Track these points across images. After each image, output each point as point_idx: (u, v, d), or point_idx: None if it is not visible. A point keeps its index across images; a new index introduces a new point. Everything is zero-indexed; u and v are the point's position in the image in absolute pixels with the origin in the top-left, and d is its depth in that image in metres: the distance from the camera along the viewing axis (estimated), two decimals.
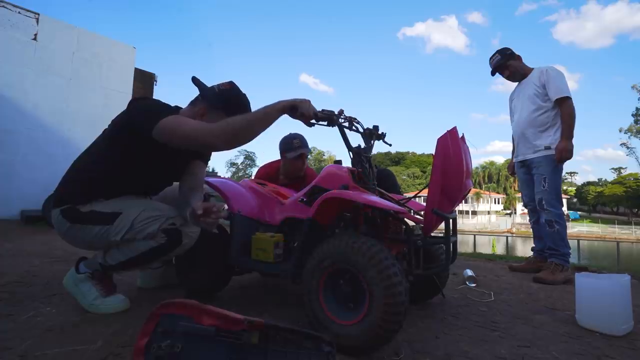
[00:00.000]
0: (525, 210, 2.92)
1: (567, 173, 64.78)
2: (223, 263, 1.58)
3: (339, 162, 1.61)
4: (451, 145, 1.27)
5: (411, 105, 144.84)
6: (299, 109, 1.28)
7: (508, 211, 49.78)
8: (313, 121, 1.35)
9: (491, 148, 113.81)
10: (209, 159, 1.71)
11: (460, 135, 1.33)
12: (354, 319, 1.13)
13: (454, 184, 1.29)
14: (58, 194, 1.45)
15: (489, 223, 42.94)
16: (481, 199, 48.88)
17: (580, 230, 34.87)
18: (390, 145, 1.75)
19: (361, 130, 1.54)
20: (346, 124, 1.47)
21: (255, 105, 1.41)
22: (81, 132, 5.69)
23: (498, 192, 52.11)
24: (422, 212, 1.42)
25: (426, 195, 1.30)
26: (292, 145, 2.21)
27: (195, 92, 1.50)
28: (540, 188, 2.52)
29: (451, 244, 1.36)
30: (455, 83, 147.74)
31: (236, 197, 1.63)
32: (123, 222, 1.35)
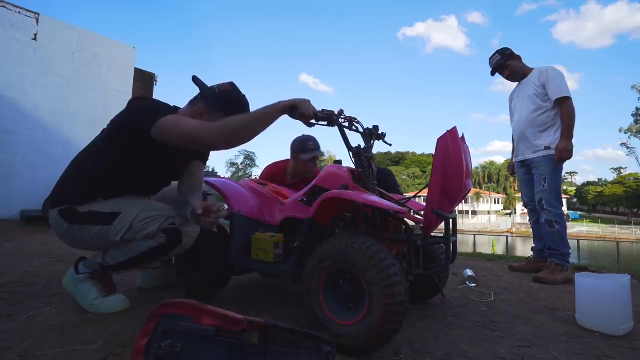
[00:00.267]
0: (525, 210, 2.92)
1: (567, 173, 64.80)
2: (223, 263, 1.58)
3: (339, 162, 1.61)
4: (451, 145, 1.27)
5: (411, 105, 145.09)
6: (299, 109, 1.28)
7: (508, 211, 49.77)
8: (313, 121, 1.35)
9: (491, 148, 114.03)
10: (208, 159, 1.71)
11: (460, 135, 1.33)
12: (354, 319, 1.13)
13: (454, 184, 1.29)
14: (56, 194, 1.44)
15: (489, 223, 42.94)
16: (481, 199, 48.88)
17: (580, 230, 34.87)
18: (390, 145, 1.75)
19: (361, 130, 1.54)
20: (346, 124, 1.47)
21: (255, 106, 1.41)
22: (81, 132, 5.68)
23: (498, 192, 52.11)
24: (422, 212, 1.42)
25: (426, 195, 1.30)
26: (307, 147, 2.25)
27: (195, 92, 1.50)
28: (540, 188, 2.52)
29: (451, 244, 1.36)
30: (455, 83, 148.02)
31: (236, 197, 1.62)
32: (122, 222, 1.35)
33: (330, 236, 1.26)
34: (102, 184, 1.42)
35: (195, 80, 1.49)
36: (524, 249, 16.95)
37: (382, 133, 1.60)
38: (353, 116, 1.51)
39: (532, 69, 2.72)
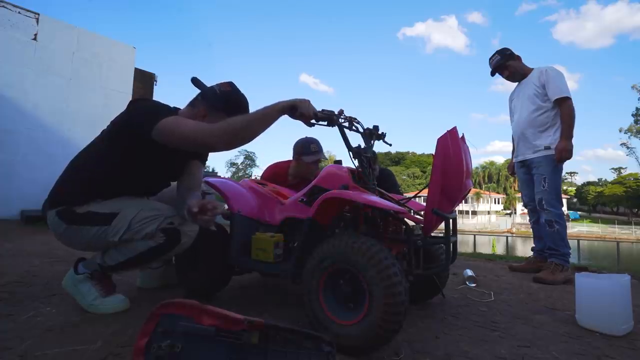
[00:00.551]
0: (525, 210, 2.92)
1: (567, 173, 64.82)
2: (223, 263, 1.58)
3: (339, 162, 1.61)
4: (451, 145, 1.27)
5: (411, 105, 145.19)
6: (299, 109, 1.28)
7: (508, 211, 49.78)
8: (313, 121, 1.35)
9: (491, 148, 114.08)
10: (207, 159, 1.72)
11: (460, 135, 1.33)
12: (354, 319, 1.13)
13: (454, 184, 1.29)
14: (55, 194, 1.43)
15: (489, 223, 42.93)
16: (481, 199, 48.88)
17: (580, 230, 34.87)
18: (390, 145, 1.75)
19: (361, 130, 1.54)
20: (346, 124, 1.47)
21: (255, 106, 1.41)
22: (81, 132, 5.68)
23: (498, 192, 52.11)
24: (422, 212, 1.42)
25: (426, 195, 1.30)
26: (310, 149, 2.26)
27: (195, 92, 1.50)
28: (540, 188, 2.52)
29: (451, 244, 1.36)
30: (455, 83, 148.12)
31: (236, 197, 1.62)
32: (121, 222, 1.35)
33: (330, 236, 1.26)
34: (101, 185, 1.42)
35: (195, 81, 1.49)
36: (524, 249, 16.95)
37: (382, 133, 1.60)
38: (353, 116, 1.51)
39: (532, 69, 2.72)
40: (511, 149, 2.93)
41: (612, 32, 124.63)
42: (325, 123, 1.39)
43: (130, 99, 6.31)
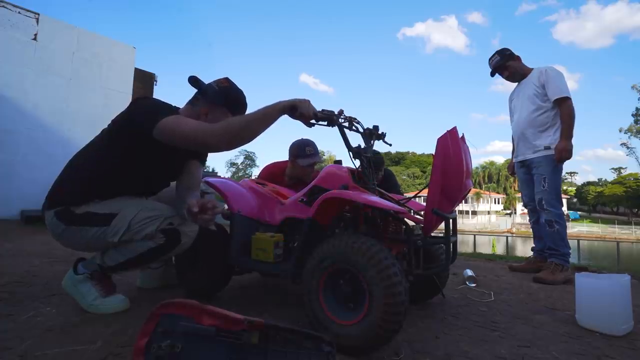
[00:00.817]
0: (525, 210, 2.92)
1: (567, 173, 64.83)
2: (223, 263, 1.58)
3: (339, 162, 1.61)
4: (451, 145, 1.27)
5: (411, 105, 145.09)
6: (299, 109, 1.28)
7: (508, 211, 49.77)
8: (313, 121, 1.35)
9: (491, 148, 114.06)
10: (206, 159, 1.72)
11: (460, 135, 1.33)
12: (354, 319, 1.13)
13: (454, 184, 1.29)
14: (54, 194, 1.42)
15: (489, 223, 42.93)
16: (481, 199, 48.88)
17: (580, 230, 34.87)
18: (390, 145, 1.75)
19: (361, 130, 1.54)
20: (346, 124, 1.47)
21: (254, 106, 1.41)
22: (81, 132, 5.68)
23: (498, 192, 52.12)
24: (422, 212, 1.42)
25: (426, 195, 1.30)
26: (305, 152, 2.20)
27: (195, 91, 1.50)
28: (540, 188, 2.52)
29: (451, 244, 1.36)
30: (455, 83, 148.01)
31: (236, 197, 1.62)
32: (120, 223, 1.35)
33: (330, 236, 1.26)
34: (101, 184, 1.42)
35: (194, 80, 1.48)
36: (524, 249, 16.95)
37: (382, 133, 1.60)
38: (353, 116, 1.51)
39: (532, 69, 2.72)
40: (511, 149, 2.94)
41: (612, 32, 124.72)
42: (325, 123, 1.39)
43: (130, 99, 6.34)
